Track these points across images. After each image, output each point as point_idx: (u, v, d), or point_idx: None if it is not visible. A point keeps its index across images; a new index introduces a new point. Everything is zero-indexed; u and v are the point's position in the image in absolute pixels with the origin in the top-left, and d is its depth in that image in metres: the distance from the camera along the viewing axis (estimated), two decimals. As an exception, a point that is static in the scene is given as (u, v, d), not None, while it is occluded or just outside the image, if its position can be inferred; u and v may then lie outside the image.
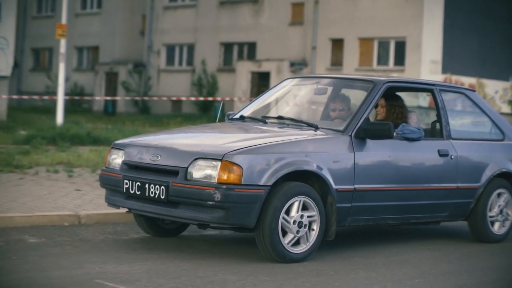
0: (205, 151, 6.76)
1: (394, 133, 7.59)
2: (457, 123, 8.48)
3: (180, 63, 39.42)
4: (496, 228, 8.48)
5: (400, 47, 31.49)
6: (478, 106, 8.71)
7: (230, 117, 8.37)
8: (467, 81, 31.18)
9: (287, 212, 6.74)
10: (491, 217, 8.39)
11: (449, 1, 31.06)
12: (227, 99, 26.03)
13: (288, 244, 6.74)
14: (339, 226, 7.26)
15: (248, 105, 8.50)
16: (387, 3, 31.50)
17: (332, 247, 7.60)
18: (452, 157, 8.05)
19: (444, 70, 30.89)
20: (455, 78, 30.87)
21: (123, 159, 7.27)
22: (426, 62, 30.69)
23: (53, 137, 16.64)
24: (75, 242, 7.36)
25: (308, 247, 6.89)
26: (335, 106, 8.00)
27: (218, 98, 25.46)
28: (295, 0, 34.73)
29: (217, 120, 8.53)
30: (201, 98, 33.61)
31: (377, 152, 7.44)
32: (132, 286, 5.77)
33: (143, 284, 5.84)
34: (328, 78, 8.72)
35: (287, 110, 8.32)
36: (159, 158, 6.94)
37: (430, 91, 8.31)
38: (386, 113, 8.12)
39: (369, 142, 7.38)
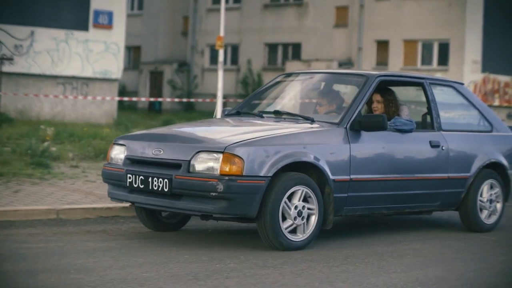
0: (207, 144, 6.96)
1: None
2: (447, 115, 8.72)
3: (225, 63, 40.42)
4: (485, 216, 8.72)
5: (444, 48, 33.15)
6: (467, 99, 8.97)
7: (226, 112, 8.57)
8: (503, 79, 33.42)
9: (288, 201, 6.95)
10: (481, 202, 8.63)
11: (488, 5, 32.68)
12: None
13: (286, 229, 6.96)
14: (336, 216, 7.48)
15: (244, 101, 8.72)
16: (431, 7, 33.11)
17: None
18: (443, 148, 8.29)
19: (484, 70, 32.73)
20: (492, 76, 32.91)
21: (125, 154, 7.46)
22: (468, 63, 32.45)
23: None
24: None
25: (308, 235, 7.10)
26: (322, 101, 8.25)
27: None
28: (339, 4, 36.14)
29: (214, 116, 8.74)
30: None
31: (371, 144, 7.67)
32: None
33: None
34: (321, 73, 8.94)
35: (282, 105, 8.52)
36: (162, 152, 7.13)
37: (421, 84, 8.56)
38: (384, 108, 8.34)
39: (364, 134, 7.61)
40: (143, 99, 23.94)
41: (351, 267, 6.51)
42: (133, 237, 7.65)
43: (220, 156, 6.77)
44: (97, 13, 24.48)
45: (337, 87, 8.57)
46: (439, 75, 30.07)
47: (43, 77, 23.73)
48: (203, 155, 6.86)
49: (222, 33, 23.53)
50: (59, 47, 23.93)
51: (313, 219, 7.14)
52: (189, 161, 6.89)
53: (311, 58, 36.15)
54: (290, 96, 8.72)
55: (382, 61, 34.73)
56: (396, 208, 8.07)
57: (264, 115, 8.09)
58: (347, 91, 9.00)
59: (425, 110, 8.54)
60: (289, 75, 9.00)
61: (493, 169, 8.80)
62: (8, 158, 11.71)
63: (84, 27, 24.41)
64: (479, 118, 9.00)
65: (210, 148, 6.89)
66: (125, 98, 23.78)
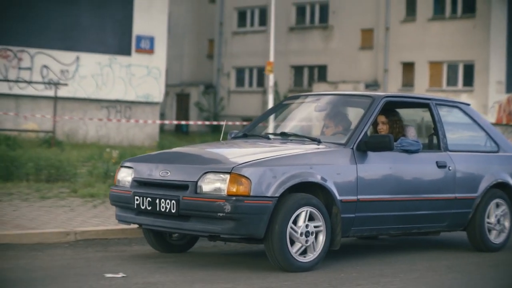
0: (214, 165, 7.00)
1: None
2: (453, 135, 8.73)
3: (250, 85, 41.31)
4: (493, 236, 8.71)
5: (468, 69, 33.95)
6: (473, 119, 8.98)
7: (233, 135, 8.61)
8: (526, 99, 34.33)
9: (295, 222, 6.96)
10: (489, 223, 8.63)
11: None
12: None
13: (296, 253, 6.96)
14: (344, 236, 7.47)
15: (251, 124, 8.76)
16: (455, 29, 33.94)
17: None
18: (450, 168, 8.30)
19: (508, 90, 33.36)
20: None
21: (133, 176, 7.49)
22: (493, 83, 33.18)
23: None
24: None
25: (315, 256, 7.10)
26: (329, 123, 8.28)
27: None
28: (364, 26, 36.93)
29: (220, 139, 8.76)
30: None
31: (378, 164, 7.68)
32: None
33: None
34: (328, 95, 8.96)
35: (288, 127, 8.55)
36: (169, 173, 7.16)
37: (427, 105, 8.59)
38: (389, 130, 8.37)
39: (370, 154, 7.63)
40: (180, 122, 24.23)
41: (458, 275, 7.16)
42: (246, 250, 8.17)
43: (227, 176, 6.79)
44: (139, 38, 25.61)
45: (344, 109, 8.60)
46: (464, 96, 30.79)
47: (88, 100, 24.74)
48: (210, 176, 6.88)
49: (271, 58, 24.30)
50: (103, 72, 25.03)
51: (321, 237, 7.14)
52: (196, 182, 6.91)
53: (337, 80, 36.61)
54: (297, 118, 8.75)
55: (408, 82, 35.36)
56: (403, 229, 8.06)
57: (271, 136, 8.13)
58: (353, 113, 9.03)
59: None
60: (296, 97, 9.04)
61: (500, 189, 8.80)
62: (88, 180, 12.53)
63: (127, 52, 25.54)
64: (485, 138, 9.00)
65: (217, 169, 6.91)
66: (160, 121, 24.36)
